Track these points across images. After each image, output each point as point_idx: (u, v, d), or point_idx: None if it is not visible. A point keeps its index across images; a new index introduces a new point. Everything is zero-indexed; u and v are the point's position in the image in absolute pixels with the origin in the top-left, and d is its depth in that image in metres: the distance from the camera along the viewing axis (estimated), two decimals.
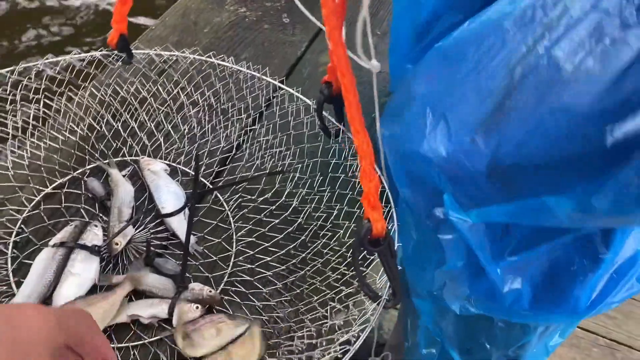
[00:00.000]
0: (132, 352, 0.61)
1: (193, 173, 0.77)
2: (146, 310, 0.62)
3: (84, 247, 0.64)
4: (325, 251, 0.72)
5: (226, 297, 0.66)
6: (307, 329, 0.63)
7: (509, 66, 0.45)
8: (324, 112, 0.74)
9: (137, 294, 0.64)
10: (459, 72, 0.51)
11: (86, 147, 0.77)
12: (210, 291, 0.64)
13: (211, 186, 0.76)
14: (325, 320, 0.63)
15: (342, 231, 0.73)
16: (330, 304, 0.65)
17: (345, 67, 0.48)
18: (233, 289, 0.67)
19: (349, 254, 0.71)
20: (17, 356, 0.35)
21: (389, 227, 0.58)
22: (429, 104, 0.53)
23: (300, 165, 0.80)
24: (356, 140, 0.52)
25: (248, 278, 0.68)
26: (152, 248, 0.66)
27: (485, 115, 0.47)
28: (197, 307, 0.63)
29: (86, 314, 0.47)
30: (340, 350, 0.58)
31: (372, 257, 0.66)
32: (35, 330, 0.37)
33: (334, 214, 0.75)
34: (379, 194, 0.55)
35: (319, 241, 0.72)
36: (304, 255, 0.71)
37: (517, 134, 0.45)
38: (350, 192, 0.76)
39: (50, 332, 0.38)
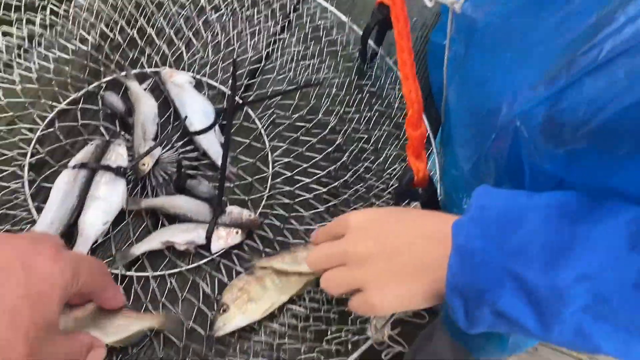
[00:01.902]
0: (169, 281, 0.56)
1: (219, 86, 0.70)
2: (181, 236, 0.57)
3: (108, 168, 0.58)
4: (367, 176, 0.66)
5: (266, 221, 0.61)
6: None
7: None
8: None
9: (170, 219, 0.59)
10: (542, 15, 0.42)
11: (100, 57, 0.68)
12: (249, 215, 0.59)
13: (241, 101, 0.68)
14: None
15: (381, 159, 0.67)
16: None
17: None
18: (272, 212, 0.62)
19: (391, 183, 0.66)
20: (29, 301, 0.34)
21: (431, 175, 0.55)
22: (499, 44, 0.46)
23: (336, 80, 0.73)
24: (405, 86, 0.50)
25: (288, 201, 0.63)
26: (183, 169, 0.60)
27: (557, 65, 0.39)
28: (237, 232, 0.58)
29: (100, 262, 0.47)
30: None
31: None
32: (50, 278, 0.36)
33: (374, 139, 0.68)
34: (424, 144, 0.52)
35: (361, 164, 0.66)
36: (345, 178, 0.65)
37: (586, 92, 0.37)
38: (387, 121, 0.70)
39: (65, 282, 0.38)
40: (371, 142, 0.68)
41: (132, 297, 0.54)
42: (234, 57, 0.71)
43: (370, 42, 0.72)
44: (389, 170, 0.66)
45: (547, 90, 0.37)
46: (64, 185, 0.57)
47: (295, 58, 0.74)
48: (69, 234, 0.56)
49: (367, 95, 0.71)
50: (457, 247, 0.38)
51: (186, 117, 0.63)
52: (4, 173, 0.59)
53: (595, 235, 0.35)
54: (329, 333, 0.54)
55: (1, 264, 0.35)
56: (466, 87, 0.51)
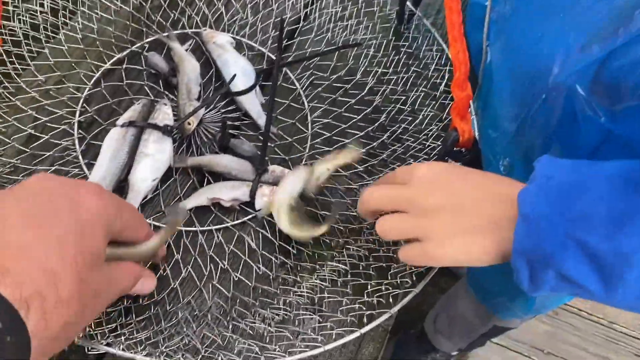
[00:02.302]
0: (215, 235, 0.58)
1: (258, 47, 0.70)
2: (227, 192, 0.59)
3: (155, 126, 0.60)
4: (404, 137, 0.67)
5: None
6: None
7: None
8: None
9: (214, 177, 0.61)
10: None
11: (142, 18, 0.69)
12: None
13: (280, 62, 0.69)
14: None
15: (418, 120, 0.67)
16: None
17: None
18: None
19: (427, 143, 0.66)
20: (76, 232, 0.34)
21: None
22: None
23: (373, 41, 0.73)
24: (453, 48, 0.51)
25: None
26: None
27: (611, 25, 0.39)
28: None
29: (138, 213, 0.48)
30: None
31: None
32: (95, 213, 0.37)
33: (411, 100, 0.69)
34: (469, 105, 0.53)
35: (398, 125, 0.67)
36: (383, 138, 0.66)
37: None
38: (424, 82, 0.70)
39: (109, 217, 0.38)
40: (408, 103, 0.69)
41: (181, 250, 0.57)
42: (281, 17, 0.71)
43: (408, 3, 0.72)
44: (426, 131, 0.67)
45: (602, 50, 0.38)
46: (114, 142, 0.59)
47: (333, 19, 0.74)
48: (120, 189, 0.58)
49: (404, 56, 0.72)
50: (524, 215, 0.39)
51: (234, 76, 0.64)
52: (55, 131, 0.61)
53: None
54: (369, 287, 0.56)
55: (49, 196, 0.35)
56: (513, 48, 0.51)
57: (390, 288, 0.55)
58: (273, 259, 0.58)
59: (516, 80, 0.51)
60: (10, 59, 0.63)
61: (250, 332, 0.53)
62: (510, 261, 0.41)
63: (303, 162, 0.63)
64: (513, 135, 0.54)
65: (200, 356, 0.51)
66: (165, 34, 0.68)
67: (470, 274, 1.02)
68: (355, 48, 0.71)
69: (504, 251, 0.43)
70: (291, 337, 0.53)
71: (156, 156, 0.59)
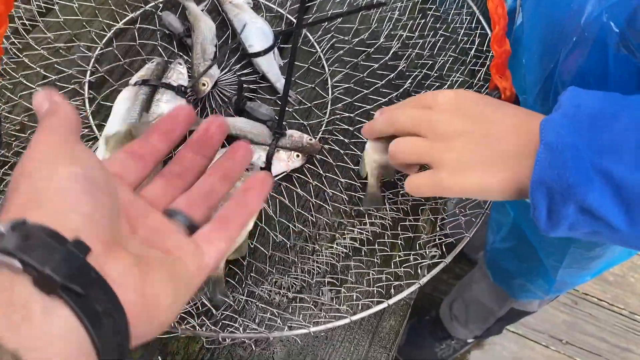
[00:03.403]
0: None
1: (277, 8, 0.67)
2: None
3: (169, 86, 0.57)
4: None
5: (325, 146, 0.59)
6: None
7: None
8: None
9: (229, 140, 0.58)
10: None
11: None
12: (310, 139, 0.57)
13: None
14: None
15: (446, 86, 0.64)
16: None
17: None
18: (332, 137, 0.60)
19: None
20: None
21: None
22: None
23: (398, 4, 0.69)
24: (491, 2, 0.48)
25: (348, 127, 0.61)
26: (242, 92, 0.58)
27: None
28: (297, 156, 0.56)
29: None
30: None
31: None
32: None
33: (438, 65, 0.65)
34: (507, 61, 0.50)
35: (424, 91, 0.63)
36: None
37: None
38: (453, 46, 0.66)
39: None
40: (435, 68, 0.65)
41: None
42: None
43: None
44: None
45: None
46: (125, 101, 0.56)
47: None
48: None
49: (432, 19, 0.68)
50: (547, 143, 0.36)
51: (244, 26, 0.61)
52: (65, 90, 0.59)
53: None
54: (396, 257, 0.53)
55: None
56: None
57: (418, 258, 0.52)
58: (291, 226, 0.55)
59: (548, 28, 0.48)
60: (18, 14, 0.61)
61: (268, 298, 0.50)
62: (529, 193, 0.38)
63: (322, 128, 0.60)
64: (532, 104, 0.50)
65: (214, 320, 0.48)
66: None
67: (488, 255, 0.99)
68: (380, 10, 0.68)
69: (522, 186, 0.39)
70: (313, 308, 0.50)
71: None
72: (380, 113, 0.48)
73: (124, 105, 0.56)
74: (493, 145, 0.41)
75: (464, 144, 0.42)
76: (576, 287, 1.58)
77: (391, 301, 0.48)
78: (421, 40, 0.66)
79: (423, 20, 0.68)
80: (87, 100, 0.59)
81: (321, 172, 0.58)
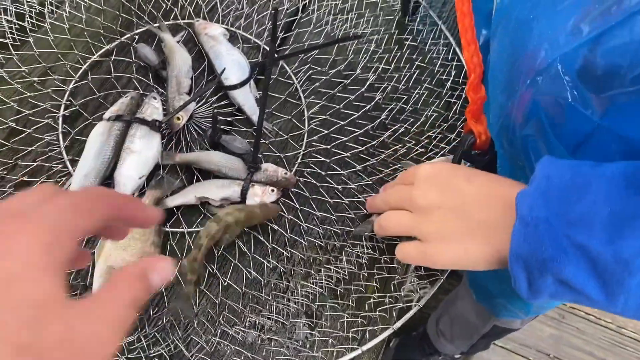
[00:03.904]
0: None
1: (254, 39, 0.67)
2: (216, 192, 0.55)
3: (143, 121, 0.57)
4: (406, 139, 0.63)
5: (301, 179, 0.59)
6: None
7: None
8: None
9: (204, 175, 0.58)
10: None
11: (132, 8, 0.66)
12: (285, 173, 0.57)
13: (276, 55, 0.66)
14: None
15: (420, 121, 0.64)
16: None
17: None
18: (308, 170, 0.60)
19: (430, 147, 0.63)
20: (4, 300, 0.26)
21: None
22: None
23: (375, 36, 0.69)
24: (467, 52, 0.50)
25: (323, 159, 0.61)
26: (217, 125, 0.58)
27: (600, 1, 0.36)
28: (272, 190, 0.56)
29: (98, 190, 0.32)
30: None
31: None
32: (20, 256, 0.27)
33: (414, 98, 0.65)
34: (483, 107, 0.51)
35: (399, 125, 0.63)
36: (383, 138, 0.63)
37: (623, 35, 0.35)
38: (429, 79, 0.66)
39: (41, 248, 0.27)
40: (411, 102, 0.65)
41: (167, 252, 0.54)
42: (271, 7, 0.68)
43: None
44: (429, 133, 0.64)
45: (592, 31, 0.35)
46: (98, 137, 0.56)
47: (332, 11, 0.71)
48: (106, 186, 0.55)
49: (408, 50, 0.68)
50: (521, 217, 0.37)
51: (224, 69, 0.61)
52: (39, 125, 0.58)
53: None
54: (371, 299, 0.53)
55: None
56: (507, 33, 0.48)
57: (392, 301, 0.52)
58: (265, 262, 0.55)
59: (508, 66, 0.48)
60: None
61: (241, 339, 0.50)
62: (508, 266, 0.38)
63: (299, 160, 0.60)
64: (498, 129, 0.51)
65: None
66: (157, 24, 0.65)
67: (469, 275, 1.00)
68: (356, 41, 0.68)
69: (503, 256, 0.41)
70: (286, 352, 0.50)
71: (143, 152, 0.56)
72: (382, 189, 0.54)
73: (97, 141, 0.56)
74: (470, 217, 0.43)
75: (444, 216, 0.44)
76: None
77: (365, 347, 0.48)
78: (397, 74, 0.66)
79: (400, 52, 0.68)
80: (60, 135, 0.58)
81: (297, 205, 0.58)
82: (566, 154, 0.43)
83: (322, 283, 0.53)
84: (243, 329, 0.51)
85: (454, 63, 0.66)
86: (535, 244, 0.36)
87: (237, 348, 0.49)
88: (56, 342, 0.26)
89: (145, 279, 0.30)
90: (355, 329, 0.51)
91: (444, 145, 0.62)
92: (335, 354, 0.49)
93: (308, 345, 0.50)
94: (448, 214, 0.44)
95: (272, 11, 0.68)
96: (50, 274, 0.27)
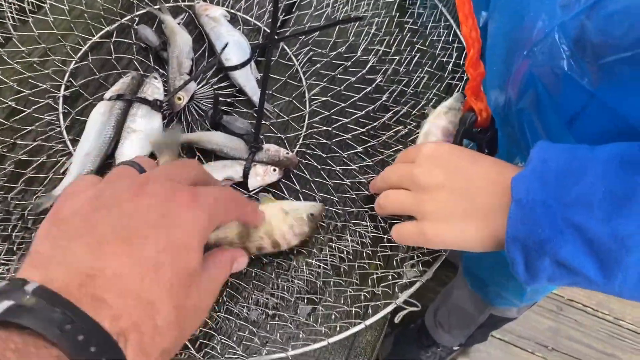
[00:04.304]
0: None
1: (254, 21, 0.67)
2: (219, 172, 0.55)
3: (144, 101, 0.57)
4: (407, 121, 0.63)
5: (302, 161, 0.59)
6: None
7: None
8: None
9: (205, 155, 0.58)
10: None
11: None
12: (287, 153, 0.57)
13: (277, 37, 0.66)
14: None
15: (423, 102, 0.64)
16: None
17: None
18: (309, 151, 0.60)
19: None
20: (170, 254, 0.32)
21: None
22: None
23: (376, 19, 0.69)
24: (465, 26, 0.50)
25: (325, 141, 0.61)
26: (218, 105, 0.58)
27: None
28: (274, 170, 0.56)
29: (233, 193, 0.42)
30: None
31: None
32: (189, 228, 0.34)
33: (415, 81, 0.65)
34: (481, 83, 0.51)
35: (400, 107, 0.63)
36: (384, 119, 0.63)
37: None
38: (430, 62, 0.66)
39: (202, 226, 0.34)
40: (412, 85, 0.65)
41: None
42: None
43: None
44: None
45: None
46: (100, 116, 0.55)
47: None
48: (107, 165, 0.55)
49: (409, 34, 0.68)
50: (518, 200, 0.38)
51: (226, 45, 0.61)
52: (39, 105, 0.58)
53: None
54: (374, 275, 0.53)
55: (144, 215, 0.32)
56: (505, 8, 0.48)
57: (396, 276, 0.52)
58: None
59: (505, 41, 0.48)
60: None
61: (247, 315, 0.50)
62: (505, 249, 0.39)
63: (300, 142, 0.60)
64: (494, 106, 0.51)
65: (192, 337, 0.47)
66: (157, 6, 0.65)
67: (464, 263, 1.00)
68: (357, 24, 0.68)
69: (499, 239, 0.41)
70: (290, 326, 0.50)
71: (144, 132, 0.56)
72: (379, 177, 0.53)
73: (98, 120, 0.56)
74: (472, 199, 0.43)
75: (445, 196, 0.44)
76: (561, 294, 1.59)
77: (368, 322, 0.48)
78: (398, 57, 0.66)
79: (400, 35, 0.68)
80: (61, 115, 0.58)
81: (297, 187, 0.58)
82: (560, 127, 0.43)
83: (326, 260, 0.53)
84: (247, 305, 0.50)
85: (455, 45, 0.67)
86: (532, 225, 0.37)
87: (242, 323, 0.49)
88: (192, 307, 0.32)
89: (232, 265, 0.39)
90: (359, 304, 0.51)
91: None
92: (338, 328, 0.49)
93: (312, 319, 0.50)
94: (450, 194, 0.44)
95: None
96: (200, 249, 0.34)
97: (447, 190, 0.44)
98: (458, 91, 0.63)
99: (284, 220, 0.51)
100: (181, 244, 0.32)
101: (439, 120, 0.55)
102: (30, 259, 0.30)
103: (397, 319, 0.48)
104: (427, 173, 0.46)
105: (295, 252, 0.54)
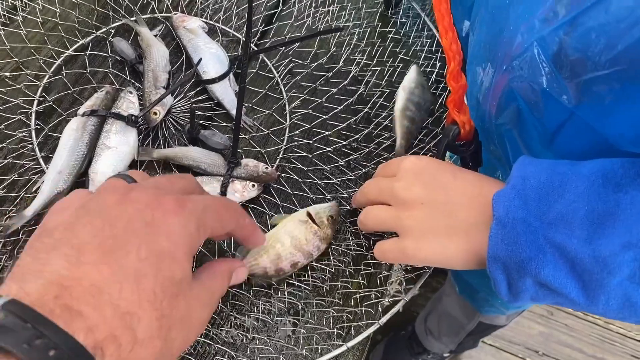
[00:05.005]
0: None
1: (233, 32, 0.66)
2: None
3: (118, 116, 0.55)
4: (391, 134, 0.62)
5: (283, 175, 0.58)
6: None
7: None
8: None
9: (182, 171, 0.56)
10: None
11: (108, 1, 0.65)
12: (266, 167, 0.56)
13: (256, 48, 0.65)
14: None
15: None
16: None
17: None
18: (290, 165, 0.59)
19: (415, 141, 0.62)
20: (152, 262, 0.30)
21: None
22: None
23: (357, 29, 0.68)
24: (445, 40, 0.49)
25: (306, 154, 0.60)
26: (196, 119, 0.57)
27: None
28: (253, 186, 0.55)
29: (229, 202, 0.40)
30: None
31: None
32: (175, 236, 0.32)
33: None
34: (464, 96, 0.50)
35: (382, 119, 0.62)
36: (368, 130, 0.61)
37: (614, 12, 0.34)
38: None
39: (189, 234, 0.33)
40: (394, 95, 0.64)
41: None
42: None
43: None
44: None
45: (568, 13, 0.34)
46: (73, 133, 0.54)
47: (314, 4, 0.69)
48: (80, 184, 0.53)
49: (392, 44, 0.67)
50: (498, 218, 0.37)
51: (200, 60, 0.60)
52: (10, 121, 0.57)
53: None
54: (357, 294, 0.52)
55: (126, 223, 0.31)
56: (485, 21, 0.47)
57: (379, 295, 0.51)
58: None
59: (485, 53, 0.47)
60: None
61: (225, 339, 0.49)
62: (487, 268, 0.37)
63: (280, 156, 0.59)
64: (474, 118, 0.50)
65: None
66: (133, 18, 0.63)
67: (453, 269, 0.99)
68: (338, 35, 0.67)
69: (481, 257, 0.40)
70: (272, 350, 0.48)
71: (119, 148, 0.54)
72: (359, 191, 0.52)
73: (71, 137, 0.54)
74: (453, 215, 0.42)
75: (425, 212, 0.43)
76: None
77: (350, 344, 0.47)
78: (380, 67, 0.65)
79: (383, 45, 0.67)
80: (33, 132, 0.56)
81: (278, 202, 0.57)
82: (541, 143, 0.42)
83: (307, 281, 0.52)
84: (228, 329, 0.49)
85: (439, 55, 0.65)
86: (513, 245, 0.36)
87: (220, 346, 0.48)
88: (180, 318, 0.31)
89: (230, 276, 0.38)
90: (341, 325, 0.49)
91: (429, 140, 0.61)
92: (320, 350, 0.47)
93: (293, 342, 0.49)
94: (431, 210, 0.43)
95: (255, 3, 0.67)
96: (188, 259, 0.32)
97: (427, 206, 0.43)
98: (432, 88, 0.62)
99: (306, 228, 0.51)
100: (165, 252, 0.31)
101: (411, 96, 0.57)
102: (12, 273, 0.28)
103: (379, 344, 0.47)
104: (407, 188, 0.44)
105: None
